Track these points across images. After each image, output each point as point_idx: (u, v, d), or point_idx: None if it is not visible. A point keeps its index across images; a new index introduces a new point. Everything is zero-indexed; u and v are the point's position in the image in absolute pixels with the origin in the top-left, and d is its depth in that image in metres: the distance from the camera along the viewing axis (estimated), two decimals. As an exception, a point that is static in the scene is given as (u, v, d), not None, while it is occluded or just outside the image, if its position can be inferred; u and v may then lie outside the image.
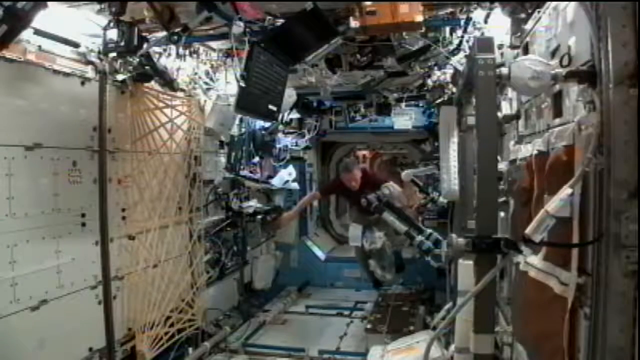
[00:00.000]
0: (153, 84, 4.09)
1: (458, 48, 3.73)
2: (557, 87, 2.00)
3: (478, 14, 3.23)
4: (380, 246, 5.25)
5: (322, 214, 8.40)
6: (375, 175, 6.06)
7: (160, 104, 4.32)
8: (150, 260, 4.14)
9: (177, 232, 4.55)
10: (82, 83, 3.47)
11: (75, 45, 3.36)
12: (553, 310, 1.85)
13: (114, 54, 3.41)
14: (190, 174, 4.77)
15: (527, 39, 2.62)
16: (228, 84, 4.67)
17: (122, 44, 3.15)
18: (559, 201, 1.66)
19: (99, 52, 3.47)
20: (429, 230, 4.89)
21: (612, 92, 1.49)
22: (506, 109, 3.14)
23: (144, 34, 3.33)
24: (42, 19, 2.72)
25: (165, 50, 4.07)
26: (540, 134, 2.29)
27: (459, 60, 3.82)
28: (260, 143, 6.26)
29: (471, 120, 2.91)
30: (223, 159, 5.59)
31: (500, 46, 2.91)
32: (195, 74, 4.59)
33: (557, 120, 2.06)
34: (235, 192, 5.62)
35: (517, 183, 2.63)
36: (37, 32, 2.96)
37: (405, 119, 6.85)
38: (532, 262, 2.16)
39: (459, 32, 3.61)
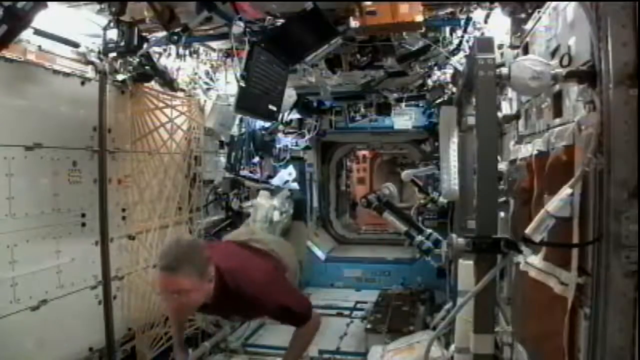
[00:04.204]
0: (153, 84, 4.08)
1: (458, 48, 3.73)
2: (557, 87, 2.00)
3: (478, 14, 3.23)
4: None
5: (322, 214, 8.39)
6: (255, 289, 2.63)
7: (160, 104, 4.32)
8: (150, 260, 4.14)
9: (177, 232, 4.54)
10: (82, 83, 3.47)
11: (75, 45, 3.35)
12: (553, 310, 1.85)
13: (114, 54, 3.40)
14: (190, 174, 4.76)
15: (527, 39, 2.62)
16: (228, 84, 4.67)
17: (122, 44, 3.15)
18: (559, 201, 1.66)
19: (99, 52, 3.47)
20: (429, 230, 4.91)
21: (612, 92, 1.49)
22: (506, 109, 3.14)
23: (144, 34, 3.33)
24: (42, 19, 2.71)
25: (165, 50, 4.06)
26: (540, 134, 2.29)
27: (459, 60, 3.82)
28: (260, 143, 6.25)
29: (471, 120, 2.90)
30: (223, 159, 5.58)
31: (500, 46, 2.91)
32: (195, 74, 4.59)
33: (557, 120, 2.06)
34: (235, 192, 5.61)
35: (517, 183, 2.63)
36: (37, 32, 2.96)
37: (405, 119, 6.86)
38: (532, 262, 2.17)
39: (459, 32, 3.61)
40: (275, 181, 6.51)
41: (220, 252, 2.87)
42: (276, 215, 4.20)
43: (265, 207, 4.19)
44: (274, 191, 4.67)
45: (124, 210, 3.90)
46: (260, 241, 3.26)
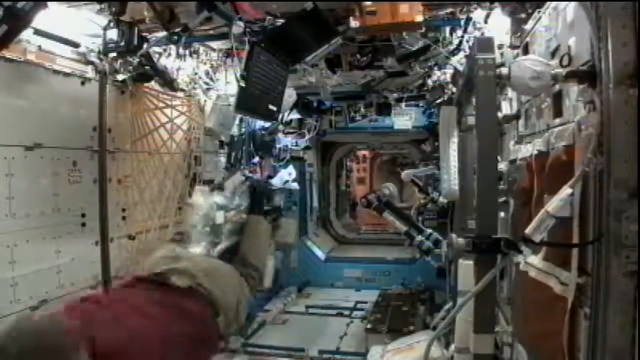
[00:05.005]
0: (153, 84, 4.09)
1: (458, 48, 3.73)
2: (557, 87, 2.00)
3: (478, 14, 3.23)
4: None
5: (322, 214, 8.39)
6: None
7: (160, 104, 4.32)
8: (150, 260, 4.14)
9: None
10: (82, 83, 3.47)
11: (75, 45, 3.35)
12: (553, 310, 1.85)
13: (114, 54, 3.41)
14: (190, 174, 4.77)
15: (527, 39, 2.62)
16: (228, 84, 4.67)
17: (122, 44, 3.16)
18: (559, 201, 1.66)
19: (99, 52, 3.47)
20: (429, 230, 4.91)
21: (612, 92, 1.49)
22: (506, 109, 3.14)
23: (144, 34, 3.34)
24: (42, 19, 2.72)
25: (165, 50, 4.07)
26: (540, 134, 2.29)
27: (459, 60, 3.82)
28: (260, 143, 6.25)
29: (471, 120, 2.90)
30: (223, 159, 5.59)
31: (500, 46, 2.91)
32: (195, 74, 4.59)
33: (557, 120, 2.06)
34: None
35: (517, 183, 2.63)
36: (37, 32, 2.96)
37: (405, 119, 6.85)
38: (532, 262, 2.16)
39: (459, 32, 3.62)
40: (275, 181, 6.52)
41: (111, 312, 2.09)
42: (219, 217, 3.34)
43: (204, 207, 3.36)
44: (221, 181, 3.80)
45: (124, 210, 3.90)
46: (184, 272, 2.57)
